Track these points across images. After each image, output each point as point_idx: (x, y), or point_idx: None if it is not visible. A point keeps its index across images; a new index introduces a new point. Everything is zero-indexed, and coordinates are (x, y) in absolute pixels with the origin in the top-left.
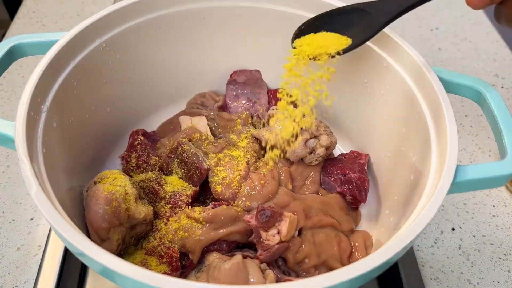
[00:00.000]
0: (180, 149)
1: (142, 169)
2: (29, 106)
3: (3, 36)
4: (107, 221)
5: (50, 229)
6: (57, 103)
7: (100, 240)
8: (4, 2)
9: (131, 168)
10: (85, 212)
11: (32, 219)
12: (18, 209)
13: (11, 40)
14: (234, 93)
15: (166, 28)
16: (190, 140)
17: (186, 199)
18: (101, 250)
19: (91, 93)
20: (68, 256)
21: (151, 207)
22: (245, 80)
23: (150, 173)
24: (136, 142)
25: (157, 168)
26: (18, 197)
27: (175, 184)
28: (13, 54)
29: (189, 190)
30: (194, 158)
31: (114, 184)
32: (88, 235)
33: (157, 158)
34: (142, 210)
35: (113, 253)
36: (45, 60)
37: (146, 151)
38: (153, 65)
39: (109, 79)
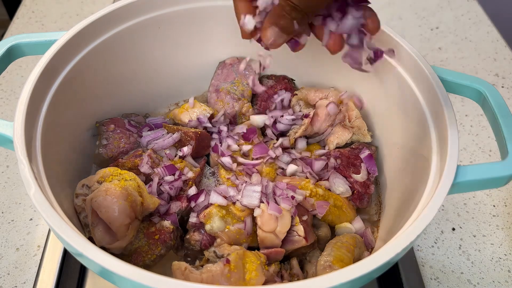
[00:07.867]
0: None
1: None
2: (28, 106)
3: (2, 36)
4: (129, 216)
5: (49, 229)
6: (56, 103)
7: (116, 240)
8: (4, 2)
9: (121, 162)
10: (91, 217)
11: (31, 219)
12: (18, 209)
13: (10, 39)
14: (221, 72)
15: (166, 28)
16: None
17: (190, 183)
18: (99, 251)
19: (90, 93)
20: (67, 256)
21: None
22: (232, 62)
23: (137, 160)
24: (105, 136)
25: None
26: (18, 198)
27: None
28: (12, 54)
29: (190, 173)
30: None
31: (124, 179)
32: (90, 238)
33: (136, 135)
34: (156, 200)
35: (122, 250)
36: (44, 60)
37: (121, 135)
38: (153, 64)
39: (108, 79)
